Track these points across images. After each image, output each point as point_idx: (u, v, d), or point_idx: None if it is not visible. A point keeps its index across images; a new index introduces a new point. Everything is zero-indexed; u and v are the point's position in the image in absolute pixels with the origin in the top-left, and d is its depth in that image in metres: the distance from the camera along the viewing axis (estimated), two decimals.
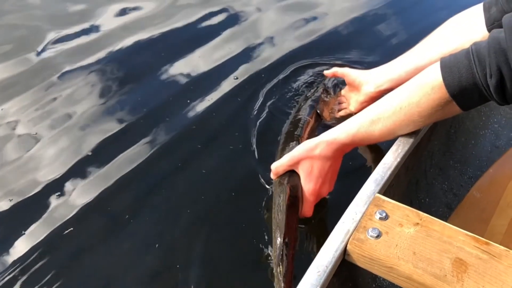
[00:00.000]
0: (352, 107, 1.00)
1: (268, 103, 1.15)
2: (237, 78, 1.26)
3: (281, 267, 0.65)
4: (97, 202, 0.93)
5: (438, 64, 0.63)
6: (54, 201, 0.93)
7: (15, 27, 1.54)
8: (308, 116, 0.99)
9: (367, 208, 0.63)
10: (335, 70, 1.02)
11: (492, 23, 0.74)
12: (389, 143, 0.75)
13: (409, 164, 0.81)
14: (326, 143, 0.73)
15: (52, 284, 0.79)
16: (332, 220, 0.65)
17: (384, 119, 0.69)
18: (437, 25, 0.86)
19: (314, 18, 1.57)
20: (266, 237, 0.82)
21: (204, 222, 0.89)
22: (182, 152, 1.04)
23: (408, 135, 0.75)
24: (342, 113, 1.03)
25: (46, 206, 0.92)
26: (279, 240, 0.68)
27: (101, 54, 1.38)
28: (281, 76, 1.25)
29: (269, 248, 0.80)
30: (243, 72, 1.29)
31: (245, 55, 1.37)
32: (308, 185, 0.76)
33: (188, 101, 1.18)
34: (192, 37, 1.46)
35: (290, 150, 0.77)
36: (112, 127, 1.12)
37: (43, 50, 1.40)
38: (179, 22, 1.53)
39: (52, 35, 1.47)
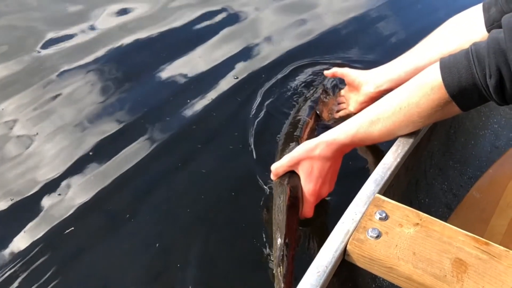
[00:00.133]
0: (351, 107, 1.00)
1: (268, 103, 1.16)
2: (236, 78, 1.26)
3: (281, 267, 0.65)
4: (97, 201, 0.93)
5: (437, 65, 0.63)
6: (53, 200, 0.93)
7: (13, 27, 1.54)
8: (308, 117, 0.99)
9: (367, 208, 0.63)
10: (335, 70, 1.02)
11: (492, 24, 0.74)
12: (389, 143, 0.76)
13: (409, 165, 0.81)
14: (326, 144, 0.73)
15: (52, 283, 0.79)
16: (332, 220, 0.66)
17: (384, 120, 0.69)
18: (436, 24, 0.86)
19: (313, 17, 1.57)
20: (266, 237, 0.82)
21: (204, 222, 0.89)
22: (182, 151, 1.04)
23: (408, 135, 0.75)
24: (341, 113, 1.03)
25: (45, 205, 0.92)
26: (279, 241, 0.68)
27: (100, 54, 1.38)
28: (280, 76, 1.25)
29: (269, 248, 0.80)
30: (242, 72, 1.29)
31: (245, 55, 1.37)
32: (308, 185, 0.76)
33: (188, 100, 1.19)
34: (191, 36, 1.46)
35: (290, 151, 0.77)
36: (111, 126, 1.12)
37: (41, 50, 1.40)
38: (178, 21, 1.53)
39: (50, 35, 1.46)
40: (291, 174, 0.77)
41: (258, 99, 1.17)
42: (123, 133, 1.10)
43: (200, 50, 1.39)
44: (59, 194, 0.95)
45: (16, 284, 0.79)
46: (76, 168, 1.01)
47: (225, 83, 1.25)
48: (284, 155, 0.78)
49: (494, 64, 0.56)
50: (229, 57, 1.36)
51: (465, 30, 0.78)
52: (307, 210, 0.78)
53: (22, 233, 0.87)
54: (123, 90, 1.24)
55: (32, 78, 1.28)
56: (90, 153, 1.04)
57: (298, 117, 1.00)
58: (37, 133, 1.10)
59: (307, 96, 1.12)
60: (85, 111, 1.17)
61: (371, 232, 0.59)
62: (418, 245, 0.58)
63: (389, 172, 0.71)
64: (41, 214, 0.91)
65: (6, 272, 0.81)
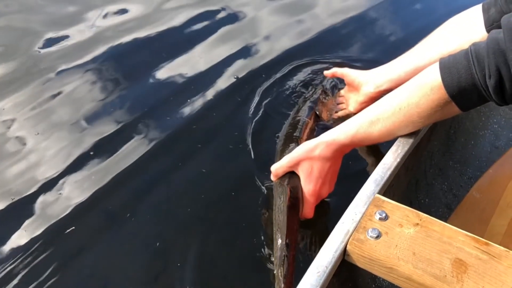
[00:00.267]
0: (351, 108, 1.00)
1: (268, 103, 1.16)
2: (236, 77, 1.26)
3: (282, 268, 0.65)
4: (96, 201, 0.93)
5: (437, 65, 0.63)
6: (53, 199, 0.94)
7: (12, 27, 1.54)
8: (307, 118, 0.99)
9: (367, 208, 0.63)
10: (335, 70, 1.02)
11: (491, 24, 0.74)
12: (389, 144, 0.76)
13: (408, 165, 0.81)
14: (326, 144, 0.73)
15: (51, 282, 0.79)
16: (332, 220, 0.66)
17: (384, 120, 0.69)
18: (435, 24, 0.86)
19: (313, 17, 1.57)
20: (266, 237, 0.82)
21: (204, 222, 0.89)
22: (182, 151, 1.04)
23: (408, 135, 0.75)
24: (341, 113, 1.03)
25: (44, 204, 0.93)
26: (280, 241, 0.68)
27: (99, 54, 1.38)
28: (280, 75, 1.25)
29: (269, 248, 0.80)
30: (242, 71, 1.29)
31: (244, 54, 1.37)
32: (308, 186, 0.76)
33: (188, 100, 1.19)
34: (190, 36, 1.46)
35: (290, 151, 0.77)
36: (111, 126, 1.12)
37: (39, 50, 1.40)
38: (177, 21, 1.53)
39: (48, 35, 1.46)
40: (291, 175, 0.77)
41: (258, 99, 1.17)
42: (123, 132, 1.10)
43: (199, 50, 1.39)
44: (60, 193, 0.95)
45: (15, 283, 0.79)
46: (76, 167, 1.01)
47: (225, 83, 1.25)
48: (283, 156, 0.78)
49: (493, 65, 0.56)
50: (229, 57, 1.36)
51: (465, 30, 0.78)
52: (308, 210, 0.78)
53: (21, 232, 0.87)
54: (122, 89, 1.24)
55: (31, 77, 1.28)
56: (91, 153, 1.04)
57: (298, 118, 1.00)
58: (37, 133, 1.10)
59: (306, 96, 1.12)
60: (85, 111, 1.17)
61: (371, 232, 0.59)
62: (418, 245, 0.58)
63: (389, 172, 0.71)
64: (41, 213, 0.91)
65: (5, 271, 0.81)
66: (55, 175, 0.99)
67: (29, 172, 1.00)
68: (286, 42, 1.42)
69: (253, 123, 1.09)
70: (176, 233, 0.87)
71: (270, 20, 1.56)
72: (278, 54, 1.36)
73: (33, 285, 0.78)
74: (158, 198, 0.94)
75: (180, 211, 0.91)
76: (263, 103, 1.15)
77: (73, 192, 0.95)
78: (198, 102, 1.18)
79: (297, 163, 0.76)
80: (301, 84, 1.21)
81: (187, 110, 1.16)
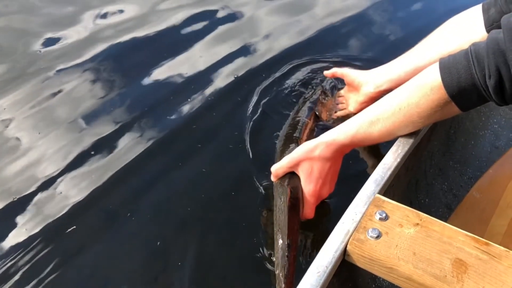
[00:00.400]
0: (351, 108, 1.00)
1: (268, 102, 1.16)
2: (236, 77, 1.26)
3: (283, 268, 0.65)
4: (96, 200, 0.93)
5: (437, 65, 0.63)
6: (53, 198, 0.94)
7: (12, 27, 1.53)
8: (307, 118, 0.99)
9: (367, 208, 0.63)
10: (335, 70, 1.02)
11: (491, 24, 0.74)
12: (389, 144, 0.76)
13: (409, 165, 0.81)
14: (326, 144, 0.73)
15: (51, 282, 0.79)
16: (332, 220, 0.66)
17: (384, 120, 0.69)
18: (435, 24, 0.86)
19: (312, 16, 1.57)
20: (265, 237, 0.82)
21: (204, 222, 0.89)
22: (182, 151, 1.04)
23: (408, 135, 0.75)
24: (341, 113, 1.03)
25: (44, 203, 0.93)
26: (281, 242, 0.68)
27: (98, 53, 1.38)
28: (279, 74, 1.25)
29: (268, 248, 0.80)
30: (242, 71, 1.29)
31: (243, 53, 1.37)
32: (309, 186, 0.76)
33: (188, 99, 1.19)
34: (189, 36, 1.46)
35: (290, 152, 0.77)
36: (110, 125, 1.12)
37: (39, 50, 1.40)
38: (176, 21, 1.53)
39: (47, 35, 1.47)
40: (291, 175, 0.77)
41: (258, 98, 1.17)
42: (122, 131, 1.10)
43: (198, 49, 1.39)
44: (60, 192, 0.95)
45: (14, 282, 0.79)
46: (76, 165, 1.01)
47: (224, 82, 1.25)
48: (283, 156, 0.78)
49: (493, 65, 0.56)
50: (228, 56, 1.36)
51: (465, 31, 0.78)
52: (308, 211, 0.78)
53: (21, 231, 0.87)
54: (122, 89, 1.24)
55: (30, 76, 1.28)
56: (91, 152, 1.04)
57: (297, 118, 1.00)
58: (36, 132, 1.10)
59: (306, 97, 1.11)
60: (84, 110, 1.17)
61: (371, 232, 0.59)
62: (418, 245, 0.58)
63: (389, 172, 0.71)
64: (40, 211, 0.91)
65: (4, 269, 0.81)
66: (54, 174, 0.99)
67: (28, 170, 1.00)
68: (285, 41, 1.42)
69: (253, 123, 1.09)
70: (176, 233, 0.87)
71: (270, 19, 1.56)
72: (277, 53, 1.36)
73: (32, 284, 0.78)
74: (158, 198, 0.94)
75: (180, 210, 0.91)
76: (263, 103, 1.15)
77: (73, 191, 0.95)
78: (197, 102, 1.18)
79: (297, 164, 0.75)
80: (300, 83, 1.20)
81: (186, 110, 1.16)
